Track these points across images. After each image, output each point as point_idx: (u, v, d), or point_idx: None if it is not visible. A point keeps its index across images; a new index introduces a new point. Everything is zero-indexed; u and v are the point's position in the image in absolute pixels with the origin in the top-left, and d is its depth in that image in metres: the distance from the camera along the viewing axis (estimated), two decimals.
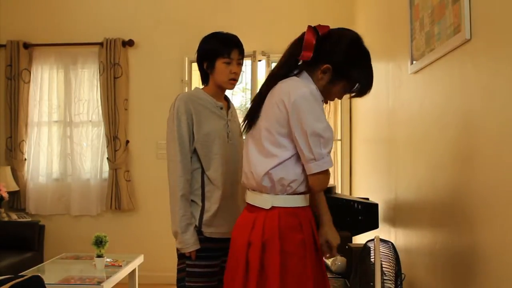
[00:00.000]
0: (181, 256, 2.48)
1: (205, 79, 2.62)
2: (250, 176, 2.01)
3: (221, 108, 2.55)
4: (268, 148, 1.94)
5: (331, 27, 2.01)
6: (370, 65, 2.02)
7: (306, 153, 1.87)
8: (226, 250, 2.44)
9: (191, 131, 2.45)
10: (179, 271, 2.49)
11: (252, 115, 2.06)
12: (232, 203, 2.50)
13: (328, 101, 2.08)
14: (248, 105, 5.63)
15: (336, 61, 1.94)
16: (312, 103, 1.87)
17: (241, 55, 2.54)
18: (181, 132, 2.44)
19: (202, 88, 2.62)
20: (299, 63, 2.01)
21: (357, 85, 2.00)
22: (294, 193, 1.97)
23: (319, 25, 1.97)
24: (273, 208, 1.95)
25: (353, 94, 2.05)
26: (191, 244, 2.41)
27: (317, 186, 1.95)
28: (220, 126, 2.51)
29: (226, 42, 2.49)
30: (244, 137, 2.24)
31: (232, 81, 2.52)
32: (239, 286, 1.92)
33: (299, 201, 1.99)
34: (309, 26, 1.96)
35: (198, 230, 2.44)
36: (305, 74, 1.99)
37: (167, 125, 2.50)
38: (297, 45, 1.98)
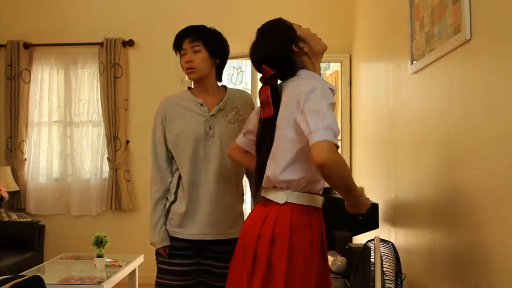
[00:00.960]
0: (156, 253, 2.55)
1: None
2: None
3: (201, 105, 2.50)
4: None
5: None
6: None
7: (304, 128, 1.83)
8: (200, 251, 2.44)
9: (164, 131, 2.53)
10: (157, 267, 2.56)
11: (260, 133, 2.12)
12: (207, 204, 2.43)
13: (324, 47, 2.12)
14: None
15: (285, 38, 2.05)
16: (324, 94, 1.87)
17: (196, 42, 2.53)
18: (155, 132, 2.57)
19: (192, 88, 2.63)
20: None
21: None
22: (309, 191, 1.98)
23: (263, 66, 2.10)
24: (286, 203, 1.96)
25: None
26: (158, 241, 2.47)
27: (319, 154, 1.74)
28: (195, 124, 2.46)
29: (176, 36, 2.59)
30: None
31: (188, 70, 2.53)
32: (246, 277, 1.93)
33: (312, 201, 1.99)
34: (260, 89, 2.08)
35: (169, 229, 2.48)
36: (304, 72, 2.04)
37: None
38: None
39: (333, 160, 1.74)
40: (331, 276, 3.04)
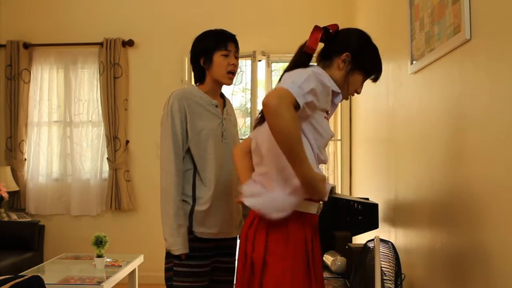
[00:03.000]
0: (169, 255, 2.45)
1: (200, 77, 2.55)
2: None
3: (216, 106, 2.50)
4: None
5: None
6: (378, 50, 2.08)
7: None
8: (217, 250, 2.44)
9: (185, 129, 2.42)
10: (167, 270, 2.46)
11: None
12: (224, 204, 2.46)
13: (348, 96, 2.07)
14: (248, 105, 5.65)
15: (353, 48, 1.98)
16: (307, 73, 1.82)
17: (237, 49, 2.51)
18: (175, 131, 2.41)
19: (197, 85, 2.56)
20: (314, 60, 2.03)
21: (372, 72, 2.05)
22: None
23: (329, 25, 2.01)
24: None
25: (371, 79, 2.11)
26: (181, 247, 2.37)
27: (269, 95, 1.69)
28: (214, 125, 2.46)
29: (222, 35, 2.48)
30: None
31: (230, 75, 2.48)
32: (247, 277, 1.93)
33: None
34: (316, 26, 1.98)
35: (189, 230, 2.42)
36: (319, 68, 1.97)
37: (161, 123, 2.46)
38: (305, 44, 1.99)
39: (275, 105, 1.66)
40: (331, 276, 3.04)
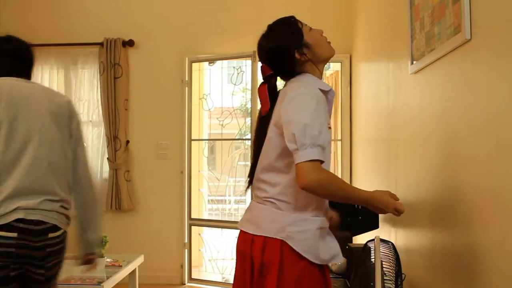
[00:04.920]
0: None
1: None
2: None
3: None
4: None
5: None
6: (281, 20, 2.10)
7: (289, 140, 1.82)
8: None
9: None
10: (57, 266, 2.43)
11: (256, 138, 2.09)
12: None
13: (330, 52, 2.08)
14: (249, 105, 5.65)
15: (291, 41, 1.99)
16: (314, 102, 1.84)
17: None
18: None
19: None
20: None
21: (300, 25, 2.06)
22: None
23: (262, 66, 2.07)
24: None
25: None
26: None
27: (303, 177, 1.75)
28: None
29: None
30: None
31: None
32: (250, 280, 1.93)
33: None
34: (259, 86, 2.06)
35: None
36: (304, 76, 2.00)
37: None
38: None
39: (316, 182, 1.75)
40: (331, 276, 3.05)
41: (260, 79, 5.66)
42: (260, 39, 2.07)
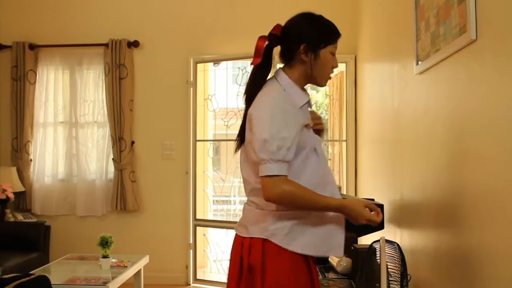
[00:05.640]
0: None
1: None
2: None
3: None
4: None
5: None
6: (323, 18, 2.08)
7: (253, 153, 1.88)
8: None
9: None
10: None
11: (241, 130, 2.09)
12: None
13: (330, 75, 2.08)
14: None
15: (305, 35, 1.98)
16: (280, 114, 1.85)
17: None
18: None
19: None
20: (279, 67, 2.05)
21: (331, 40, 2.02)
22: None
23: (272, 29, 2.02)
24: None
25: (336, 46, 2.07)
26: None
27: (265, 192, 1.82)
28: None
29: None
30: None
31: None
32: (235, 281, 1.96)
33: None
34: (260, 36, 2.01)
35: None
36: (283, 77, 2.00)
37: None
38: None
39: (277, 196, 1.81)
40: (336, 277, 3.04)
41: None
42: (303, 13, 2.08)
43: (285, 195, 1.81)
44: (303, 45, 1.96)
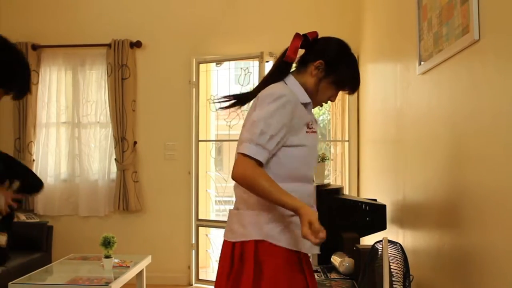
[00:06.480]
0: None
1: None
2: None
3: None
4: None
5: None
6: (357, 63, 2.13)
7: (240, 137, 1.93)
8: None
9: None
10: None
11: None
12: None
13: (323, 103, 2.13)
14: None
15: (328, 56, 2.03)
16: (275, 103, 1.88)
17: None
18: None
19: None
20: (292, 70, 2.09)
21: (346, 82, 2.09)
22: None
23: (309, 32, 2.07)
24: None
25: (346, 92, 2.15)
26: None
27: (234, 168, 1.86)
28: None
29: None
30: None
31: None
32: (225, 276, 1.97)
33: None
34: (297, 33, 2.05)
35: None
36: (291, 78, 2.04)
37: None
38: (285, 52, 2.06)
39: (239, 176, 1.84)
40: (339, 278, 3.04)
41: None
42: (342, 40, 2.11)
43: (247, 178, 1.83)
44: (320, 61, 2.01)
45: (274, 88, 1.96)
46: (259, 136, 1.83)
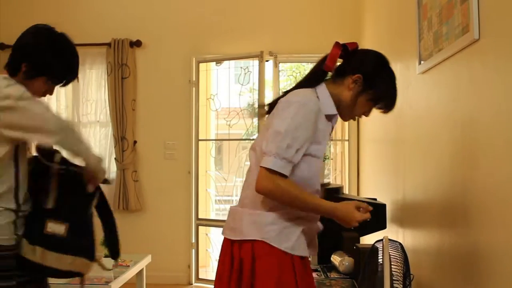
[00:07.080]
0: None
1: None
2: None
3: None
4: None
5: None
6: (394, 80, 2.01)
7: (263, 143, 1.88)
8: None
9: None
10: None
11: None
12: None
13: (355, 117, 2.07)
14: (256, 105, 5.65)
15: (366, 71, 1.95)
16: (300, 112, 1.85)
17: None
18: None
19: None
20: (327, 78, 2.02)
21: (382, 99, 1.99)
22: None
23: (348, 42, 2.00)
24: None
25: (380, 110, 2.04)
26: None
27: (259, 183, 1.85)
28: None
29: None
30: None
31: None
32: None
33: None
34: (337, 42, 1.98)
35: None
36: (322, 87, 1.98)
37: None
38: (324, 59, 2.00)
39: (266, 190, 1.84)
40: (339, 277, 3.04)
41: (267, 79, 5.66)
42: (381, 54, 2.04)
43: (275, 192, 1.84)
44: (359, 75, 1.94)
45: (300, 95, 1.92)
46: (286, 150, 1.81)
